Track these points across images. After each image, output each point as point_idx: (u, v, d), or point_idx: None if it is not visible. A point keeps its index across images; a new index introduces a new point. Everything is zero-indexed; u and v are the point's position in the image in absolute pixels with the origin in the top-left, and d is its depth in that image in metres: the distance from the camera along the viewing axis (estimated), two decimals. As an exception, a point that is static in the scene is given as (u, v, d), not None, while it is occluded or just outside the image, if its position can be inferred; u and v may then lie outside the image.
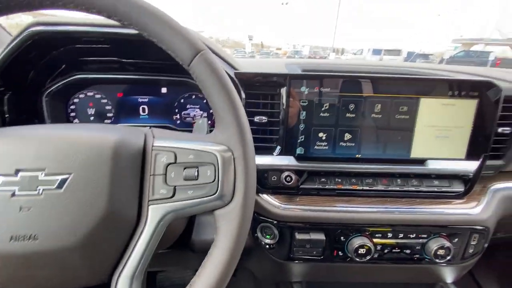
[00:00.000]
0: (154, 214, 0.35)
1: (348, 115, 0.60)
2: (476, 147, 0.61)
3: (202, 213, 0.38)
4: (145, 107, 0.72)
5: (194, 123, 0.73)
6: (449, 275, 0.70)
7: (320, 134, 0.61)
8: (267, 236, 0.64)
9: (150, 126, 0.71)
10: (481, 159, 0.62)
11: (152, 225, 0.35)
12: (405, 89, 0.59)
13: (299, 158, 0.61)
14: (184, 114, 0.74)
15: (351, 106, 0.59)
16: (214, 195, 0.36)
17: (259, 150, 0.62)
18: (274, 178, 0.61)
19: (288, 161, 0.61)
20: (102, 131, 0.38)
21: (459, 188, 0.64)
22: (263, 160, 0.61)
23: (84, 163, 0.34)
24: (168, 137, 0.39)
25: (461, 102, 0.59)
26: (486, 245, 0.64)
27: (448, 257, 0.61)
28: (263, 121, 0.61)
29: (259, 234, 0.64)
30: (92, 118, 0.72)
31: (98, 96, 0.72)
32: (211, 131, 0.43)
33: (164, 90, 0.72)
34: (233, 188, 0.37)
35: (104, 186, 0.34)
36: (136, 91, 0.72)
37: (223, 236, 0.35)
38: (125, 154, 0.36)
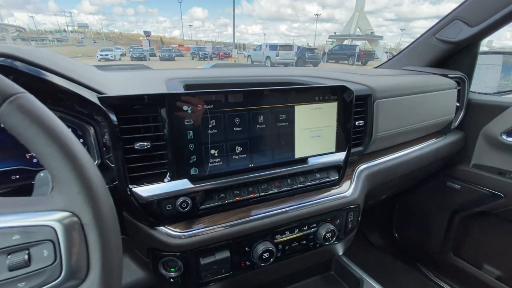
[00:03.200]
0: None
1: (235, 128, 0.61)
2: (342, 140, 0.73)
3: None
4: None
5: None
6: (340, 248, 0.83)
7: (212, 151, 0.60)
8: (172, 270, 0.59)
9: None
10: (346, 150, 0.75)
11: None
12: (281, 100, 0.64)
13: (194, 179, 0.59)
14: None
15: (237, 120, 0.60)
16: (58, 280, 0.28)
17: (148, 179, 0.56)
18: (169, 207, 0.56)
19: (182, 185, 0.57)
20: None
21: (334, 176, 0.76)
22: (154, 189, 0.55)
23: None
24: None
25: (326, 106, 0.70)
26: (359, 218, 0.79)
27: (334, 238, 0.72)
28: (146, 147, 0.54)
29: (162, 271, 0.59)
30: None
31: None
32: None
33: (3, 122, 0.55)
34: (87, 262, 0.29)
35: None
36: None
37: None
38: None
